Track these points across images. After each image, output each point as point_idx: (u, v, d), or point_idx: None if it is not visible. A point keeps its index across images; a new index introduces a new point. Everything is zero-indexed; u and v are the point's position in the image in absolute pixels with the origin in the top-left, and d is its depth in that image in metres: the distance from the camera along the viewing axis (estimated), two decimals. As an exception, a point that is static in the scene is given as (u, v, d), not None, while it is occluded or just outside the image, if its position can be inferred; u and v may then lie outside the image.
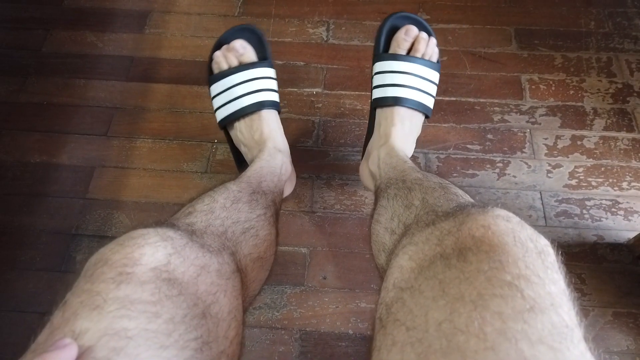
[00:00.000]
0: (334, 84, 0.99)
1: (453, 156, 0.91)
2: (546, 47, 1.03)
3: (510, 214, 0.35)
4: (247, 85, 0.70)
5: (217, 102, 0.72)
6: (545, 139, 0.92)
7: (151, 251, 0.34)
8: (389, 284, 0.36)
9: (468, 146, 0.92)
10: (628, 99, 0.95)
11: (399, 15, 0.71)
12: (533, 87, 0.98)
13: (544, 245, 0.33)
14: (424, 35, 0.69)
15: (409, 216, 0.45)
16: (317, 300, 0.78)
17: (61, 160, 0.91)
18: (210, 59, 0.74)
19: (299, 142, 0.93)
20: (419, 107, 0.69)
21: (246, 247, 0.47)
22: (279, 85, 0.96)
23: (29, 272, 0.81)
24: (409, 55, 0.69)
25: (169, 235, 0.37)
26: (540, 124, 0.94)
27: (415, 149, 0.89)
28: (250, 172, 0.62)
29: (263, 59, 0.74)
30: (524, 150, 0.91)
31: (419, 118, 0.71)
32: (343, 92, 0.98)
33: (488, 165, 0.90)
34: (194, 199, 0.51)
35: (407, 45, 0.69)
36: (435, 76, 0.71)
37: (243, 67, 0.71)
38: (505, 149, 0.91)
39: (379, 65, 0.71)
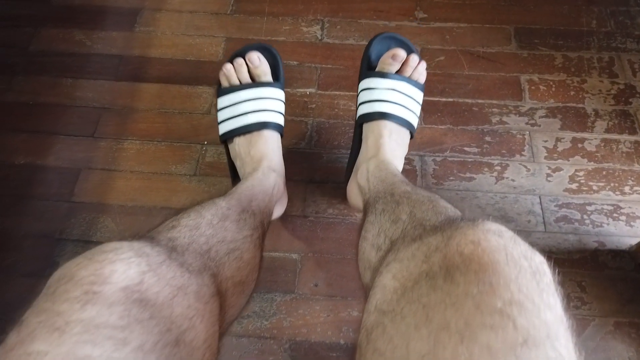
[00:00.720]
0: (328, 84, 0.96)
1: (450, 159, 0.88)
2: (546, 47, 1.00)
3: (503, 228, 0.32)
4: (255, 103, 0.69)
5: (222, 115, 0.71)
6: (545, 141, 0.89)
7: (123, 268, 0.32)
8: (370, 306, 0.34)
9: (465, 149, 0.89)
10: (630, 100, 0.93)
11: (385, 36, 0.72)
12: (533, 87, 0.95)
13: (539, 263, 0.30)
14: (414, 58, 0.69)
15: (396, 231, 0.43)
16: (308, 308, 0.76)
17: (47, 162, 0.88)
18: (222, 71, 0.73)
19: (292, 144, 0.90)
20: (404, 123, 0.68)
21: (229, 269, 0.45)
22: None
23: (11, 277, 0.78)
24: (396, 74, 0.69)
25: (144, 251, 0.34)
26: (539, 125, 0.91)
27: (410, 151, 0.87)
28: (241, 188, 0.60)
29: (275, 80, 0.73)
30: (523, 153, 0.88)
31: (406, 135, 0.70)
32: (337, 93, 0.95)
33: (486, 169, 0.87)
34: (180, 212, 0.48)
35: (394, 69, 0.69)
36: (420, 96, 0.71)
37: (254, 84, 0.70)
38: (504, 151, 0.88)
39: (366, 82, 0.70)
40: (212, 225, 0.46)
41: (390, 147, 0.66)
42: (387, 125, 0.67)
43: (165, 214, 0.83)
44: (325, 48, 1.01)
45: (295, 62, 0.99)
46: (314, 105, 0.94)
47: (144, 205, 0.84)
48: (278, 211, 0.74)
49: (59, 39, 1.02)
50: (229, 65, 0.71)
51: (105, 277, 0.31)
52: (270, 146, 0.70)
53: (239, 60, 0.70)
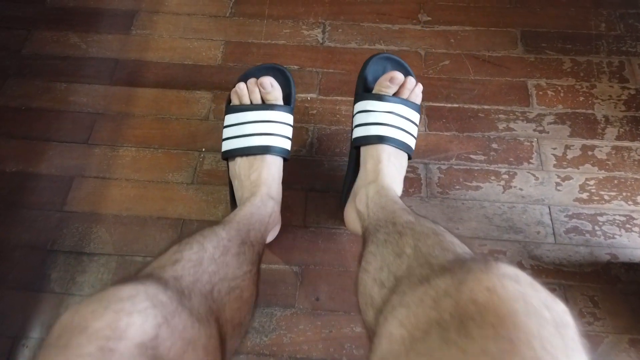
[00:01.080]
0: (330, 89, 0.93)
1: (455, 167, 0.85)
2: (554, 51, 0.97)
3: (519, 272, 0.29)
4: (261, 125, 0.68)
5: (226, 133, 0.70)
6: (554, 148, 0.86)
7: (140, 321, 0.29)
8: (375, 357, 0.31)
9: (471, 156, 0.86)
10: (642, 106, 0.90)
11: (381, 57, 0.71)
12: (540, 93, 0.92)
13: (562, 312, 0.27)
14: (411, 80, 0.68)
15: (400, 266, 0.40)
16: (309, 323, 0.73)
17: (39, 170, 0.85)
18: (233, 88, 0.71)
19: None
20: (402, 146, 0.67)
21: (229, 310, 0.42)
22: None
23: (0, 290, 0.75)
24: (393, 96, 0.68)
25: (160, 299, 0.32)
26: (548, 132, 0.88)
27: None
28: (239, 216, 0.57)
29: (286, 103, 0.72)
30: (531, 161, 0.85)
31: (404, 158, 0.69)
32: (339, 98, 0.92)
33: (493, 177, 0.84)
34: (182, 242, 0.45)
35: (391, 92, 0.68)
36: (416, 117, 0.70)
37: (263, 106, 0.69)
38: (511, 159, 0.86)
39: (362, 105, 0.69)
40: (214, 261, 0.44)
41: (390, 172, 0.64)
42: (385, 149, 0.66)
43: (163, 229, 0.80)
44: (327, 52, 0.98)
45: (295, 67, 0.96)
46: (314, 111, 0.91)
47: (139, 215, 0.81)
48: (270, 237, 0.72)
49: (53, 41, 0.99)
50: (242, 85, 0.69)
51: (121, 331, 0.28)
52: (271, 172, 0.67)
53: (253, 81, 0.69)
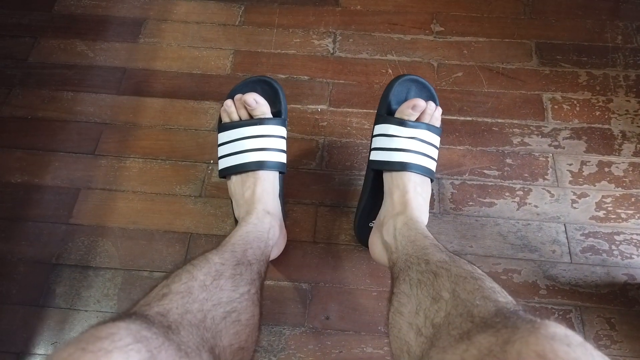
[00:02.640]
0: (340, 100, 0.92)
1: (469, 182, 0.83)
2: (569, 63, 0.95)
3: (569, 333, 0.27)
4: (253, 141, 0.67)
5: (220, 151, 0.69)
6: (570, 164, 0.84)
7: (121, 358, 0.27)
8: None
9: (485, 171, 0.84)
10: (659, 121, 0.88)
11: (406, 79, 0.70)
12: (556, 106, 0.90)
13: None
14: (432, 105, 0.67)
15: (438, 313, 0.38)
16: (319, 343, 0.71)
17: (44, 181, 0.84)
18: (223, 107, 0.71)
19: (302, 164, 0.85)
20: (426, 172, 0.66)
21: (227, 336, 0.40)
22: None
23: (3, 306, 0.74)
24: (416, 121, 0.67)
25: (143, 334, 0.30)
26: (563, 147, 0.86)
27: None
28: (235, 238, 0.56)
29: (277, 114, 0.71)
30: (546, 177, 0.83)
31: (428, 184, 0.68)
32: (350, 110, 0.91)
33: (507, 193, 0.82)
34: (172, 274, 0.43)
35: (413, 119, 0.67)
36: (437, 141, 0.69)
37: (254, 121, 0.68)
38: (526, 175, 0.84)
39: (384, 128, 0.68)
40: (205, 288, 0.42)
41: (418, 202, 0.63)
42: (411, 178, 0.64)
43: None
44: (337, 62, 0.96)
45: (305, 77, 0.94)
46: (325, 123, 0.89)
47: (146, 228, 0.80)
48: (274, 253, 0.71)
49: (60, 49, 0.98)
50: (229, 102, 0.69)
51: None
52: (265, 188, 0.66)
53: (239, 97, 0.69)
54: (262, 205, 0.64)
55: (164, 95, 0.93)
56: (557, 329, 0.27)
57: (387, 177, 0.67)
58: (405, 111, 0.66)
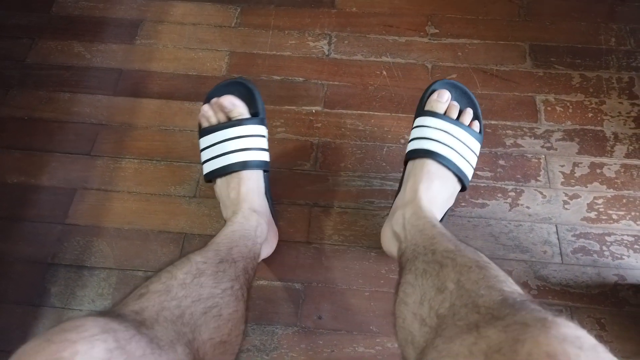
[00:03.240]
0: (335, 102, 0.93)
1: (462, 183, 0.84)
2: (563, 65, 0.96)
3: (581, 333, 0.27)
4: (235, 142, 0.68)
5: (204, 156, 0.70)
6: (562, 166, 0.85)
7: (86, 347, 0.28)
8: None
9: (478, 172, 0.85)
10: (652, 123, 0.88)
11: (445, 82, 0.71)
12: (549, 108, 0.91)
13: None
14: (455, 103, 0.68)
15: (442, 303, 0.39)
16: (311, 343, 0.72)
17: (41, 181, 0.85)
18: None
19: (296, 165, 0.86)
20: (451, 166, 0.64)
21: (206, 330, 0.41)
22: (277, 103, 0.91)
23: (0, 305, 0.75)
24: (449, 117, 0.67)
25: (111, 326, 0.30)
26: (556, 149, 0.87)
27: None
28: (220, 238, 0.56)
29: (255, 115, 0.72)
30: (538, 178, 0.84)
31: (452, 183, 0.65)
32: (344, 111, 0.91)
33: (499, 195, 0.83)
34: (153, 276, 0.44)
35: (441, 108, 0.67)
36: (476, 146, 0.67)
37: (232, 123, 0.69)
38: (519, 176, 0.84)
39: (419, 120, 0.69)
40: (184, 286, 0.43)
41: (431, 193, 0.62)
42: (429, 168, 0.63)
43: (159, 243, 0.79)
44: (333, 64, 0.97)
45: (301, 79, 0.95)
46: (319, 124, 0.90)
47: (141, 228, 0.81)
48: (266, 251, 0.71)
49: (57, 51, 0.99)
50: (206, 107, 0.70)
51: None
52: (250, 187, 0.67)
53: (215, 101, 0.70)
54: (247, 204, 0.65)
55: (160, 96, 0.94)
56: (569, 330, 0.27)
57: (409, 166, 0.67)
58: (432, 100, 0.67)
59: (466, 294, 0.38)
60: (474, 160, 0.68)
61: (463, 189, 0.67)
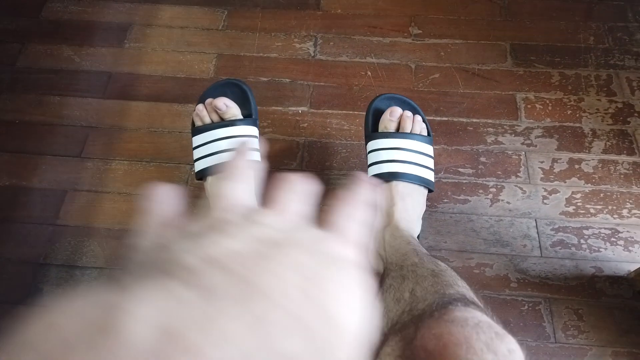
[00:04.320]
0: (321, 102, 0.95)
1: (444, 180, 0.86)
2: (543, 64, 0.98)
3: (468, 315, 0.30)
4: (227, 142, 0.70)
5: (196, 154, 0.72)
6: (541, 162, 0.87)
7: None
8: None
9: (460, 170, 0.87)
10: (629, 119, 0.91)
11: (384, 97, 0.74)
12: (529, 106, 0.93)
13: (507, 352, 0.28)
14: (407, 113, 0.70)
15: (397, 312, 0.42)
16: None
17: (31, 183, 0.86)
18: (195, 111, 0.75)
19: (282, 164, 0.88)
20: (416, 180, 0.68)
21: None
22: (264, 103, 0.93)
23: (-8, 305, 0.76)
24: (398, 132, 0.70)
25: None
26: (536, 146, 0.89)
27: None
28: None
29: (248, 115, 0.74)
30: (518, 174, 0.86)
31: (420, 193, 0.70)
32: (330, 111, 0.93)
33: (481, 191, 0.85)
34: None
35: (393, 126, 0.70)
36: (429, 149, 0.71)
37: (225, 123, 0.71)
38: (499, 172, 0.87)
39: (372, 144, 0.71)
40: None
41: (405, 212, 0.66)
42: (398, 189, 0.67)
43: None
44: (318, 65, 0.99)
45: (287, 80, 0.97)
46: (305, 124, 0.92)
47: (131, 228, 0.82)
48: None
49: (47, 54, 1.00)
50: (201, 106, 0.72)
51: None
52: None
53: (210, 102, 0.72)
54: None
55: (149, 98, 0.95)
56: (459, 313, 0.30)
57: (379, 190, 0.70)
58: (385, 119, 0.69)
59: (415, 300, 0.40)
60: (432, 163, 0.71)
61: (430, 190, 0.71)
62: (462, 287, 0.43)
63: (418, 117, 0.71)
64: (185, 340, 0.11)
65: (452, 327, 0.29)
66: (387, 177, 0.67)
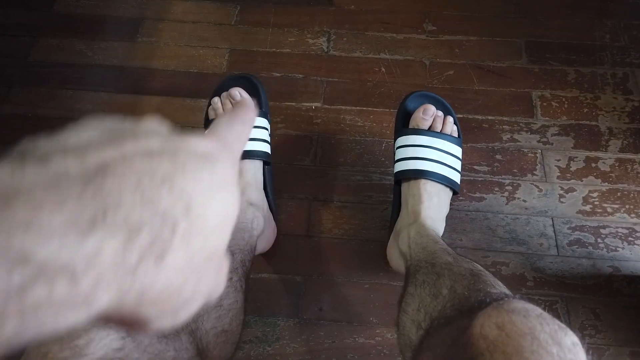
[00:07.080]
0: (334, 98, 0.94)
1: (459, 178, 0.85)
2: (558, 62, 0.97)
3: (529, 306, 0.30)
4: None
5: None
6: (558, 160, 0.87)
7: (100, 335, 0.29)
8: None
9: (475, 167, 0.86)
10: (645, 118, 0.90)
11: (418, 94, 0.73)
12: (544, 104, 0.92)
13: (571, 345, 0.28)
14: (439, 113, 0.70)
15: (436, 307, 0.41)
16: (312, 333, 0.73)
17: (44, 177, 0.86)
18: (209, 104, 0.76)
19: (296, 160, 0.87)
20: (444, 180, 0.67)
21: (208, 320, 0.43)
22: (277, 99, 0.92)
23: None
24: (430, 130, 0.69)
25: None
26: (552, 144, 0.88)
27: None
28: None
29: (259, 109, 0.75)
30: (534, 172, 0.86)
31: (446, 194, 0.69)
32: (343, 107, 0.93)
33: (496, 188, 0.84)
34: None
35: (426, 124, 0.70)
36: (458, 151, 0.70)
37: None
38: (515, 170, 0.86)
39: (401, 140, 0.71)
40: None
41: (431, 211, 0.65)
42: (426, 187, 0.66)
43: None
44: (331, 61, 0.98)
45: (300, 75, 0.96)
46: (319, 120, 0.91)
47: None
48: (263, 246, 0.73)
49: (59, 49, 1.00)
50: (216, 99, 0.73)
51: (80, 349, 0.28)
52: (247, 178, 0.69)
53: (225, 95, 0.72)
54: (244, 197, 0.67)
55: (161, 93, 0.95)
56: (518, 304, 0.29)
57: (404, 187, 0.70)
58: (417, 116, 0.69)
59: (456, 297, 0.40)
60: (459, 165, 0.71)
61: (455, 193, 0.71)
62: (504, 288, 0.42)
63: (450, 118, 0.71)
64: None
65: (515, 317, 0.28)
66: (414, 175, 0.67)
